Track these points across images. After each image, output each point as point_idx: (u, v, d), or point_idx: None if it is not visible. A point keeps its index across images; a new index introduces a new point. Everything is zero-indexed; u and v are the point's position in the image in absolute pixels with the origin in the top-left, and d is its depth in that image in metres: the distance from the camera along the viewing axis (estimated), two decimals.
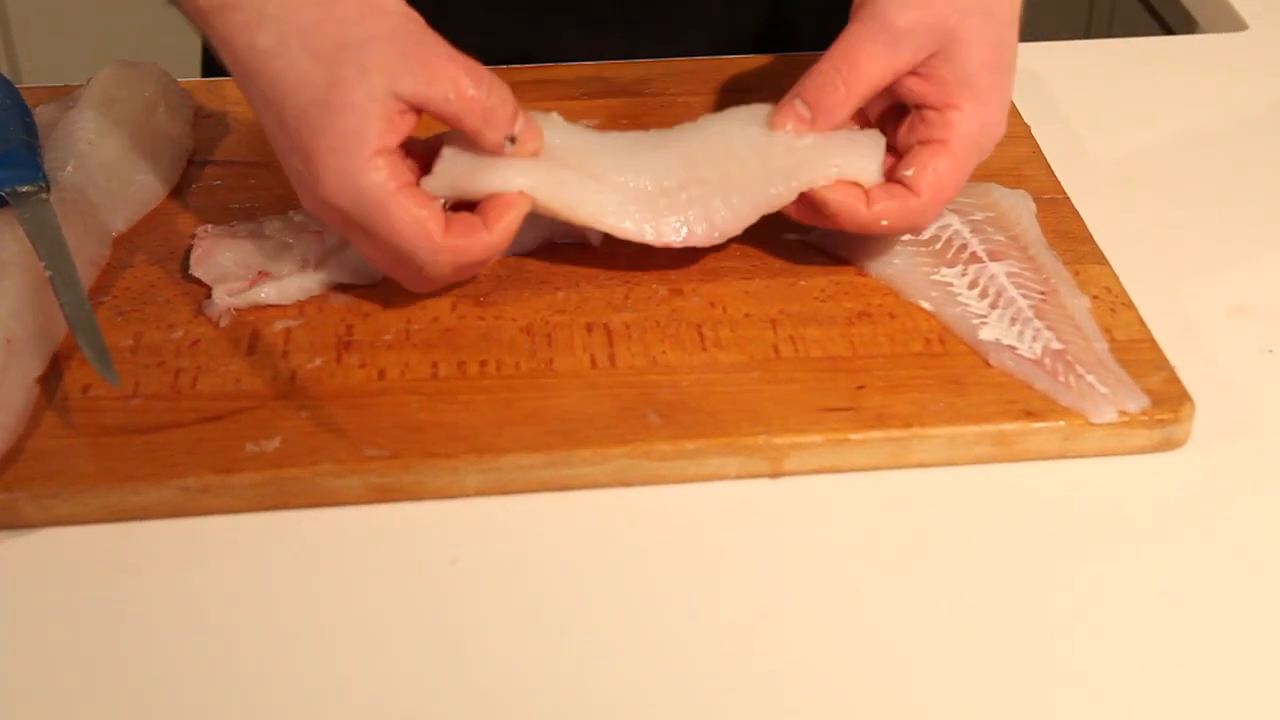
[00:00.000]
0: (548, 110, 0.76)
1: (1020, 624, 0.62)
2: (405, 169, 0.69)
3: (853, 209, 0.73)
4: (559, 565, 0.65)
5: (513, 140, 0.71)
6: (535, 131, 0.72)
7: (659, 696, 0.59)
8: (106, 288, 0.77)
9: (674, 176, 0.74)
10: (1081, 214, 0.82)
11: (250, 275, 0.75)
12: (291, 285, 0.75)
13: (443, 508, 0.67)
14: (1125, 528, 0.67)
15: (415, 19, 0.70)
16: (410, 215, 0.68)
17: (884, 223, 0.73)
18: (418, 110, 0.69)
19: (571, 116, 0.90)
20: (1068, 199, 0.84)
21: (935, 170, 0.73)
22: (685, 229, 0.74)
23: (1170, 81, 1.00)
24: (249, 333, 0.74)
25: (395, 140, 0.68)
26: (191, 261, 0.76)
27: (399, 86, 0.68)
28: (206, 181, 0.85)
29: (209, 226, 0.78)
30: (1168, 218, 0.86)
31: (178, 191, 0.84)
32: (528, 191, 0.71)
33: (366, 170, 0.67)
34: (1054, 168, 0.86)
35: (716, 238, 0.74)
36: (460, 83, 0.69)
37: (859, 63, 0.73)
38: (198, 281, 0.76)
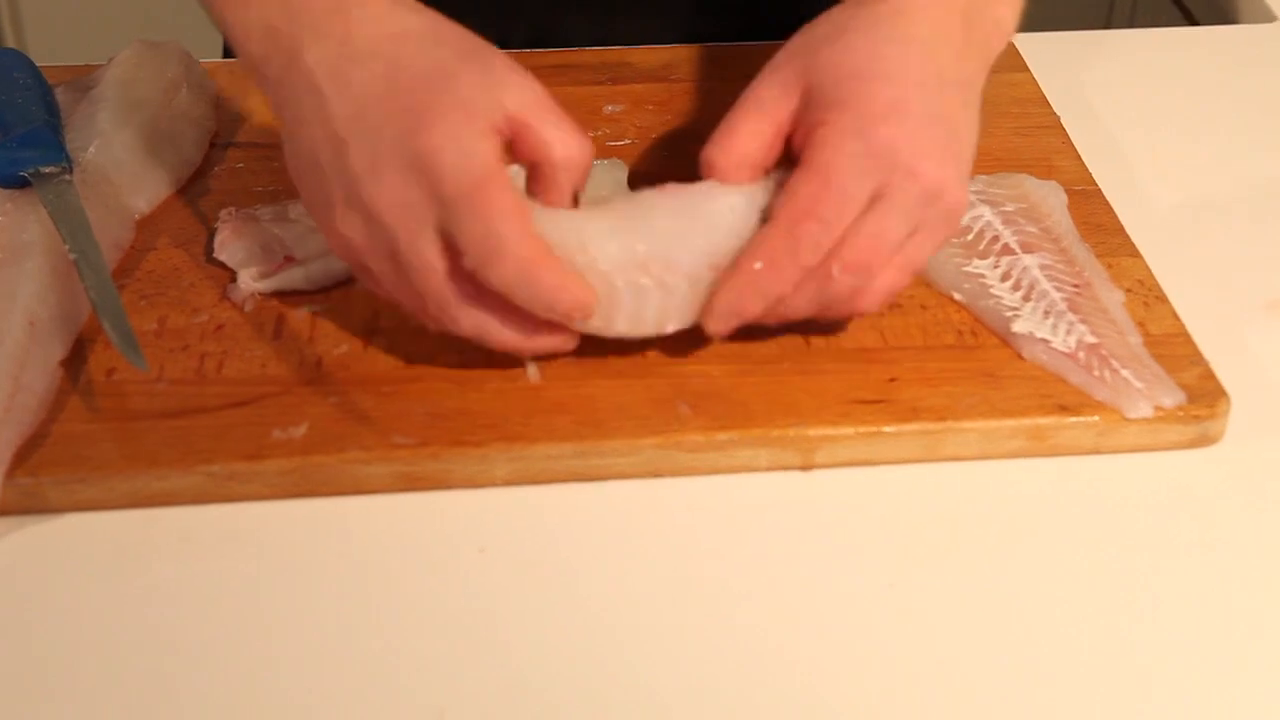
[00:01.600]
0: None
1: (1054, 619, 0.61)
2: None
3: (727, 285, 0.67)
4: (588, 556, 0.64)
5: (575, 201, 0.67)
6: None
7: (688, 689, 0.59)
8: (130, 270, 0.76)
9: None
10: (1113, 206, 0.82)
11: (276, 259, 0.74)
12: (317, 270, 0.74)
13: (471, 497, 0.66)
14: (1160, 524, 0.66)
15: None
16: (510, 197, 0.63)
17: (756, 265, 0.66)
18: (507, 141, 0.65)
19: (598, 102, 0.90)
20: (1099, 190, 0.83)
21: (791, 190, 0.66)
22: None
23: (1200, 72, 0.99)
24: (274, 318, 0.73)
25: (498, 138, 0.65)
26: (216, 245, 0.76)
27: (508, 98, 0.65)
28: (229, 164, 0.85)
29: (233, 210, 0.78)
30: (1199, 210, 0.85)
31: (200, 174, 0.84)
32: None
33: (484, 135, 0.63)
34: (1085, 159, 0.86)
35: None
36: (563, 118, 0.66)
37: (734, 126, 0.69)
38: (222, 265, 0.76)
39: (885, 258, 0.67)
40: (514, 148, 0.66)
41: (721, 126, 0.70)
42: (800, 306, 0.68)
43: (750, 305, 0.67)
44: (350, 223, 0.65)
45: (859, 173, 0.65)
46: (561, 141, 0.66)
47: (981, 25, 0.71)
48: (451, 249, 0.64)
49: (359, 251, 0.66)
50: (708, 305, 0.67)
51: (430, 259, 0.64)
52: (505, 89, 0.65)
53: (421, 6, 0.68)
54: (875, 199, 0.66)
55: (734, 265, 0.67)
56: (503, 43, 0.79)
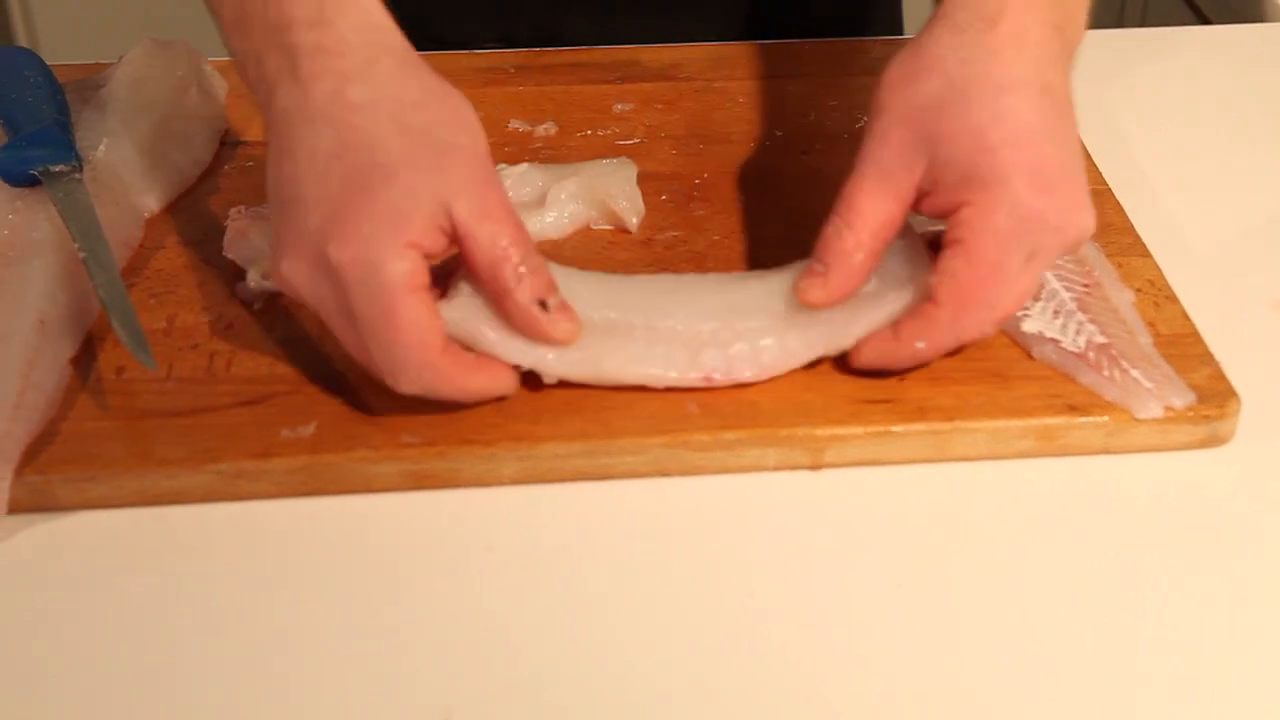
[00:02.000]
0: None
1: (1063, 619, 0.61)
2: (427, 275, 0.64)
3: (883, 349, 0.69)
4: (596, 555, 0.64)
5: (544, 306, 0.66)
6: (572, 316, 0.67)
7: (696, 687, 0.59)
8: (139, 269, 0.76)
9: (717, 319, 0.69)
10: (1124, 206, 0.81)
11: None
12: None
13: (479, 495, 0.66)
14: (1169, 524, 0.66)
15: (489, 157, 0.67)
16: (418, 317, 0.63)
17: (919, 345, 0.68)
18: (450, 240, 0.65)
19: (608, 101, 0.90)
20: (1110, 190, 0.83)
21: (953, 274, 0.66)
22: (729, 366, 0.68)
23: (1212, 71, 0.99)
24: (283, 317, 0.73)
25: (428, 247, 0.64)
26: (225, 243, 0.76)
27: (457, 204, 0.64)
28: (239, 162, 0.85)
29: (243, 208, 0.78)
30: (1210, 210, 0.85)
31: (210, 172, 0.84)
32: (559, 374, 0.67)
33: (399, 254, 0.62)
34: (1095, 159, 0.85)
35: (763, 375, 0.69)
36: (511, 233, 0.65)
37: (858, 205, 0.68)
38: (231, 263, 0.76)
39: (1018, 304, 0.68)
40: (459, 249, 0.65)
41: (844, 199, 0.68)
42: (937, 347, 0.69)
43: (899, 365, 0.69)
44: (283, 277, 0.65)
45: (1016, 250, 0.66)
46: (498, 259, 0.65)
47: (1070, 34, 0.70)
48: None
49: (306, 300, 0.65)
50: (855, 350, 0.69)
51: (354, 347, 0.65)
52: (456, 195, 0.64)
53: (416, 67, 0.66)
54: (1027, 259, 0.66)
55: (895, 333, 0.68)
56: (507, 41, 0.79)
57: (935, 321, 0.67)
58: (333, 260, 0.62)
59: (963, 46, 0.67)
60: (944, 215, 0.67)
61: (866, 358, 0.69)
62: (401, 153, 0.64)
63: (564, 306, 0.67)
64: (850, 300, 0.69)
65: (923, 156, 0.67)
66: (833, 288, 0.68)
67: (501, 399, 0.68)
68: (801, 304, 0.69)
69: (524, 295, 0.65)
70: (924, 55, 0.68)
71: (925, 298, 0.68)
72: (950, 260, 0.66)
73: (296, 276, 0.64)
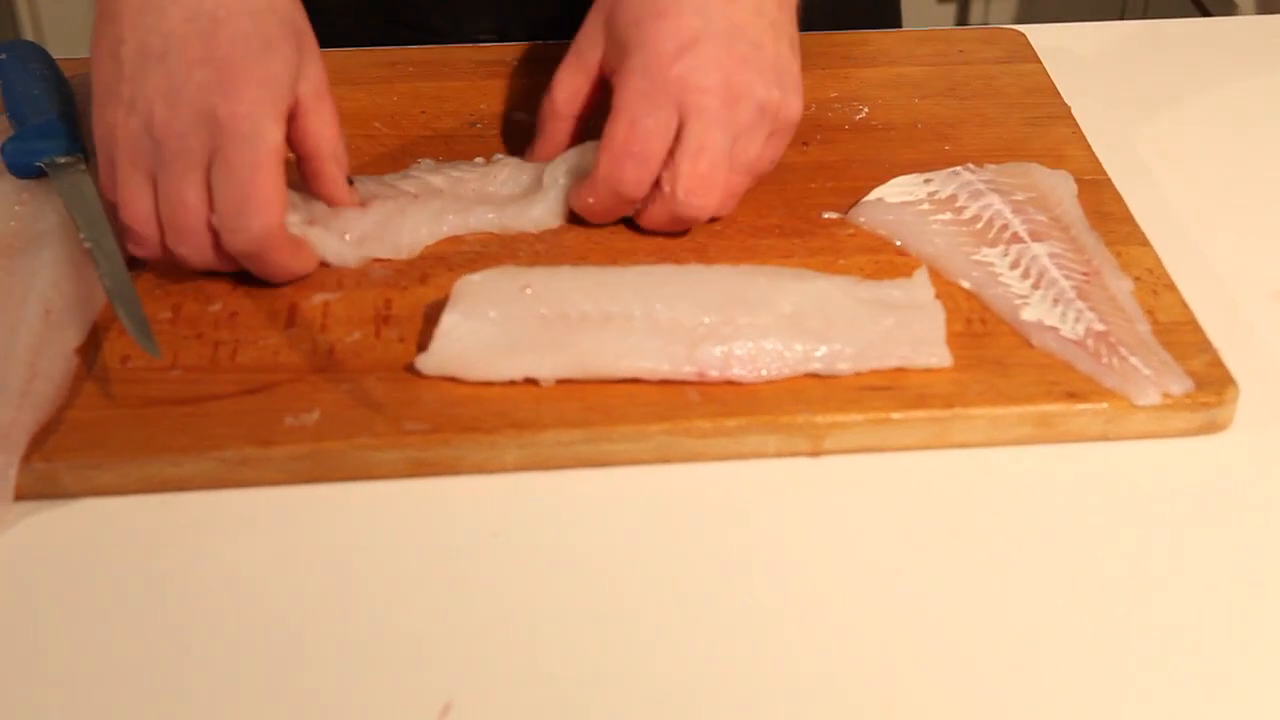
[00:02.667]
0: None
1: (1060, 606, 0.62)
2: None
3: (574, 201, 0.78)
4: (598, 541, 0.64)
5: (351, 181, 0.77)
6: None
7: (696, 672, 0.59)
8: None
9: (719, 312, 0.70)
10: (1123, 195, 0.82)
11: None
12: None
13: (481, 483, 0.67)
14: (1167, 511, 0.66)
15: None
16: (279, 183, 0.70)
17: (589, 200, 0.76)
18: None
19: (606, 94, 0.90)
20: (1109, 180, 0.83)
21: (608, 135, 0.75)
22: (725, 364, 0.69)
23: (1211, 63, 0.99)
24: (287, 306, 0.74)
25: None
26: None
27: (304, 83, 0.73)
28: None
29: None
30: (1209, 200, 0.85)
31: None
32: (555, 377, 0.69)
33: (279, 120, 0.70)
34: (1095, 148, 0.86)
35: (757, 379, 0.69)
36: (336, 115, 0.75)
37: (555, 80, 0.81)
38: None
39: (720, 166, 0.74)
40: (290, 130, 0.72)
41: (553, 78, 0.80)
42: (662, 222, 0.77)
43: (590, 216, 0.77)
44: (128, 125, 0.70)
45: (651, 105, 0.73)
46: (322, 135, 0.74)
47: None
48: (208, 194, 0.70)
49: (120, 151, 0.70)
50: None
51: (191, 197, 0.70)
52: (303, 73, 0.72)
53: None
54: (683, 123, 0.74)
55: (576, 191, 0.77)
56: (501, 35, 0.80)
57: (594, 179, 0.76)
58: (220, 114, 0.69)
59: None
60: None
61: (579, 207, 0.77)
62: (277, 27, 0.71)
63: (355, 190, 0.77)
64: (859, 333, 0.69)
65: (603, 36, 0.78)
66: (536, 148, 0.82)
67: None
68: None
69: (337, 173, 0.76)
70: None
71: None
72: (605, 127, 0.75)
73: (125, 130, 0.70)
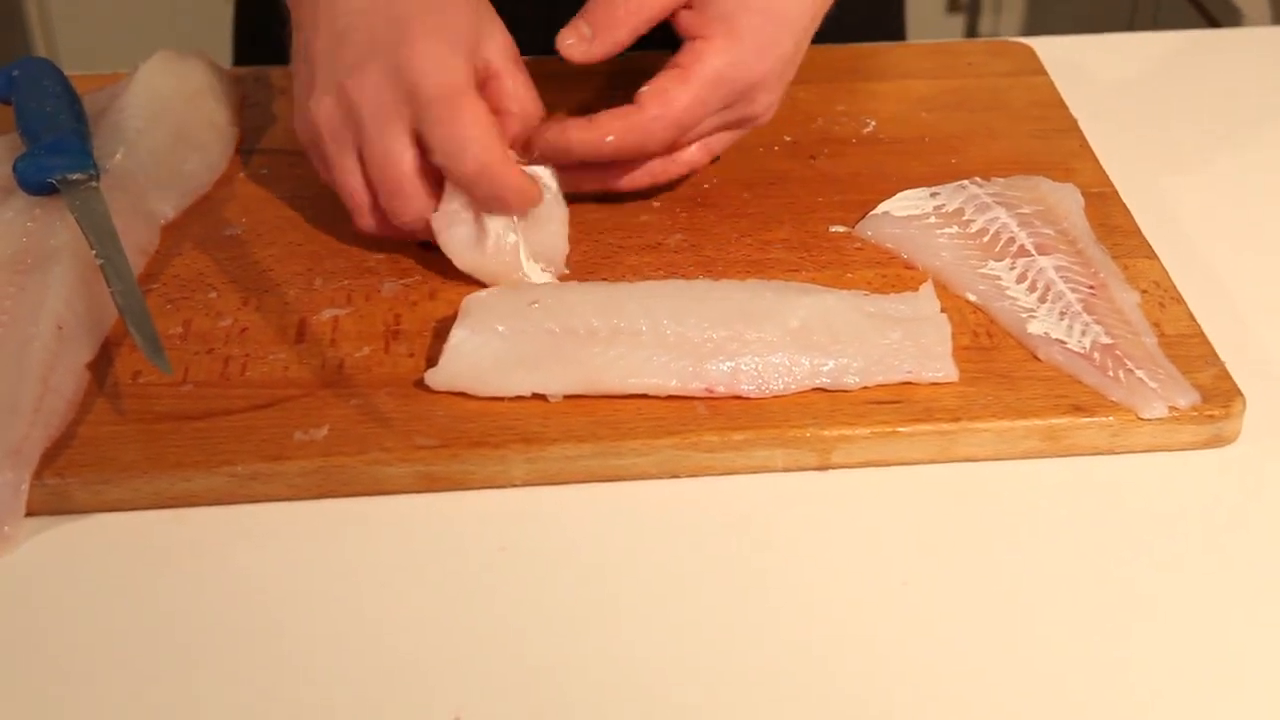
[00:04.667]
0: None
1: (1067, 619, 0.62)
2: None
3: (577, 134, 0.76)
4: (606, 555, 0.65)
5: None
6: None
7: (705, 685, 0.59)
8: (155, 275, 0.77)
9: (727, 328, 0.70)
10: (1129, 208, 0.82)
11: None
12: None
13: (490, 497, 0.67)
14: (1174, 524, 0.66)
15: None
16: (482, 114, 0.71)
17: (609, 139, 0.76)
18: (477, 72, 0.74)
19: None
20: (1116, 193, 0.83)
21: (665, 91, 0.75)
22: (733, 380, 0.69)
23: (1217, 74, 0.99)
24: (297, 321, 0.74)
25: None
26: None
27: (488, 44, 0.75)
28: (254, 170, 0.86)
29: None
30: (1215, 212, 0.85)
31: (225, 180, 0.85)
32: (562, 392, 0.69)
33: (463, 61, 0.72)
34: (1102, 162, 0.86)
35: (764, 394, 0.69)
36: (527, 77, 0.77)
37: None
38: (246, 270, 0.77)
39: (700, 148, 0.80)
40: (481, 90, 0.73)
41: (616, 15, 0.77)
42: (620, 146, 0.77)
43: (586, 151, 0.76)
44: (324, 106, 0.74)
45: (719, 99, 0.77)
46: (522, 97, 0.76)
47: None
48: (416, 146, 0.73)
49: (323, 134, 0.74)
50: (550, 131, 0.76)
51: (396, 148, 0.73)
52: (489, 35, 0.75)
53: None
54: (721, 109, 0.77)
55: (592, 122, 0.75)
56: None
57: (631, 124, 0.75)
58: (403, 59, 0.71)
59: None
60: (686, 35, 0.77)
61: (554, 138, 0.75)
62: None
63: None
64: (865, 348, 0.70)
65: None
66: (594, 52, 0.77)
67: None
68: (562, 54, 0.76)
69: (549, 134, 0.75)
70: None
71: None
72: (669, 80, 0.76)
73: (322, 110, 0.73)
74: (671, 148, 0.79)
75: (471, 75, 0.73)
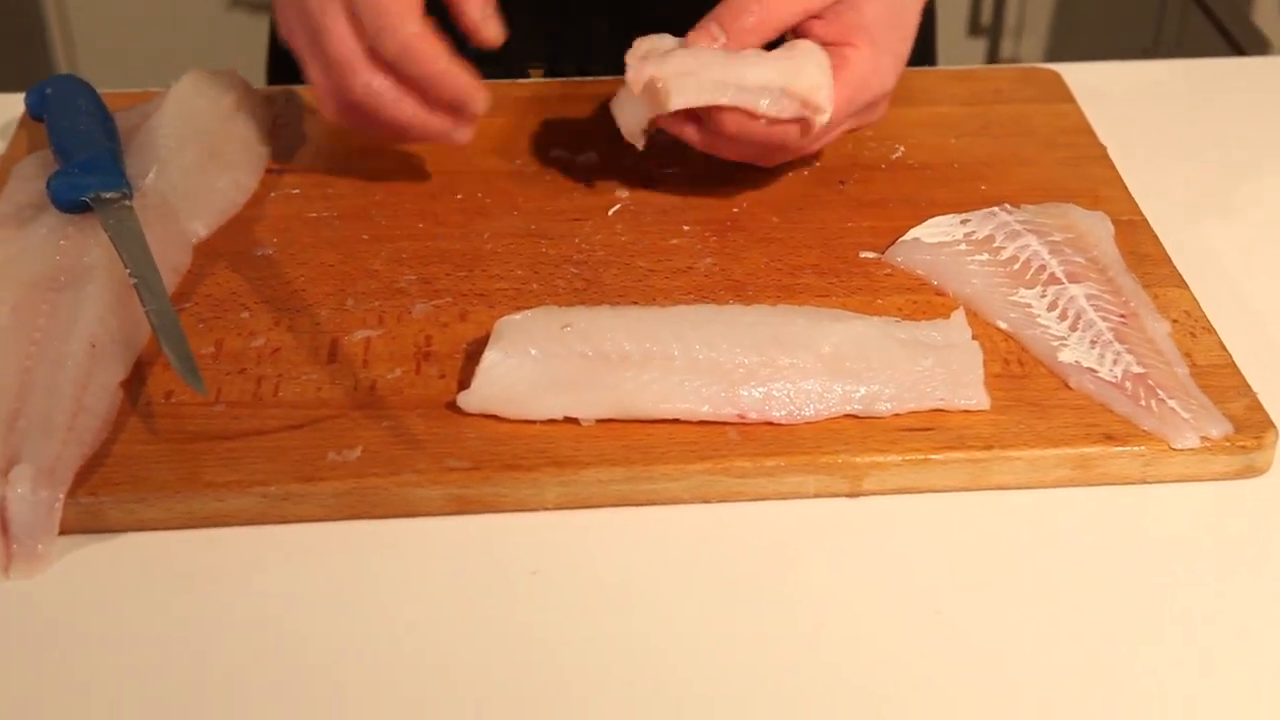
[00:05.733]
0: None
1: (1099, 647, 0.62)
2: None
3: (748, 126, 0.78)
4: (637, 578, 0.65)
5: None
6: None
7: (737, 712, 0.59)
8: (188, 294, 0.77)
9: (759, 353, 0.70)
10: (1160, 236, 0.82)
11: None
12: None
13: (522, 520, 0.67)
14: (1206, 554, 0.66)
15: None
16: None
17: (764, 125, 0.78)
18: None
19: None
20: (1145, 221, 0.83)
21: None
22: (767, 402, 0.69)
23: (1247, 104, 0.99)
24: (329, 342, 0.74)
25: None
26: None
27: None
28: (284, 190, 0.86)
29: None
30: (1245, 241, 0.85)
31: (256, 200, 0.85)
32: (595, 416, 0.69)
33: None
34: (1131, 189, 0.86)
35: (795, 420, 0.69)
36: None
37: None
38: (278, 290, 0.77)
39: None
40: None
41: (748, 22, 0.80)
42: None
43: (732, 132, 0.78)
44: (285, 8, 0.79)
45: (861, 103, 0.80)
46: None
47: None
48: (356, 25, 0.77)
49: (291, 32, 0.80)
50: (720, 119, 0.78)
51: (335, 25, 0.77)
52: None
53: None
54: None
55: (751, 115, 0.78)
56: (552, 63, 0.82)
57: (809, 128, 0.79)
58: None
59: None
60: (826, 42, 0.79)
61: (731, 126, 0.78)
62: None
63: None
64: (897, 375, 0.70)
65: None
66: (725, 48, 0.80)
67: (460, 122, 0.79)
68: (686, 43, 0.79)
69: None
70: None
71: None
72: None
73: (285, 11, 0.79)
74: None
75: None
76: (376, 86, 0.78)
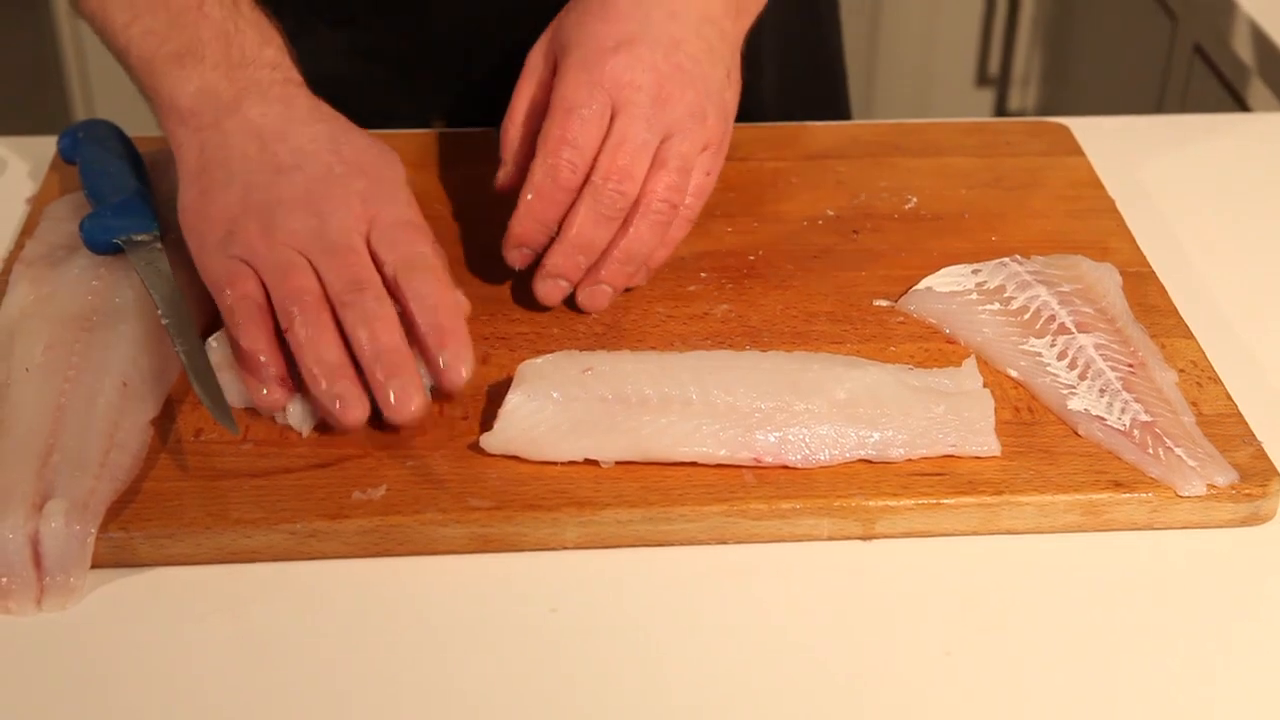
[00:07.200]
0: None
1: (1106, 691, 0.63)
2: None
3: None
4: (655, 617, 0.66)
5: None
6: None
7: None
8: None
9: (774, 399, 0.72)
10: (1167, 288, 0.84)
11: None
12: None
13: (542, 559, 0.69)
14: (1211, 600, 0.68)
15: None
16: (363, 260, 0.73)
17: (528, 196, 0.78)
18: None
19: None
20: (1153, 272, 0.85)
21: (546, 124, 0.78)
22: (780, 450, 0.71)
23: (1254, 158, 1.01)
24: None
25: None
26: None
27: (383, 212, 0.76)
28: None
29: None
30: (1251, 293, 0.87)
31: None
32: (611, 457, 0.71)
33: (358, 227, 0.74)
34: (1139, 242, 0.88)
35: (810, 465, 0.71)
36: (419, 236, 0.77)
37: (513, 98, 0.82)
38: None
39: (639, 159, 0.77)
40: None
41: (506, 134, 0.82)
42: (600, 234, 0.78)
43: (533, 234, 0.78)
44: (248, 238, 0.73)
45: (587, 96, 0.77)
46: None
47: None
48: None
49: (245, 265, 0.73)
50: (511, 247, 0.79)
51: (304, 278, 0.72)
52: (381, 205, 0.76)
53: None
54: (613, 117, 0.77)
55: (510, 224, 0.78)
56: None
57: (533, 171, 0.78)
58: (323, 210, 0.74)
59: None
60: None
61: (510, 238, 0.79)
62: (372, 153, 0.79)
63: None
64: (910, 421, 0.71)
65: (553, 49, 0.80)
66: (501, 172, 0.83)
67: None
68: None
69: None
70: None
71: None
72: (545, 119, 0.78)
73: (246, 244, 0.73)
74: (613, 170, 0.78)
75: (364, 235, 0.74)
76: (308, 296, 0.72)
